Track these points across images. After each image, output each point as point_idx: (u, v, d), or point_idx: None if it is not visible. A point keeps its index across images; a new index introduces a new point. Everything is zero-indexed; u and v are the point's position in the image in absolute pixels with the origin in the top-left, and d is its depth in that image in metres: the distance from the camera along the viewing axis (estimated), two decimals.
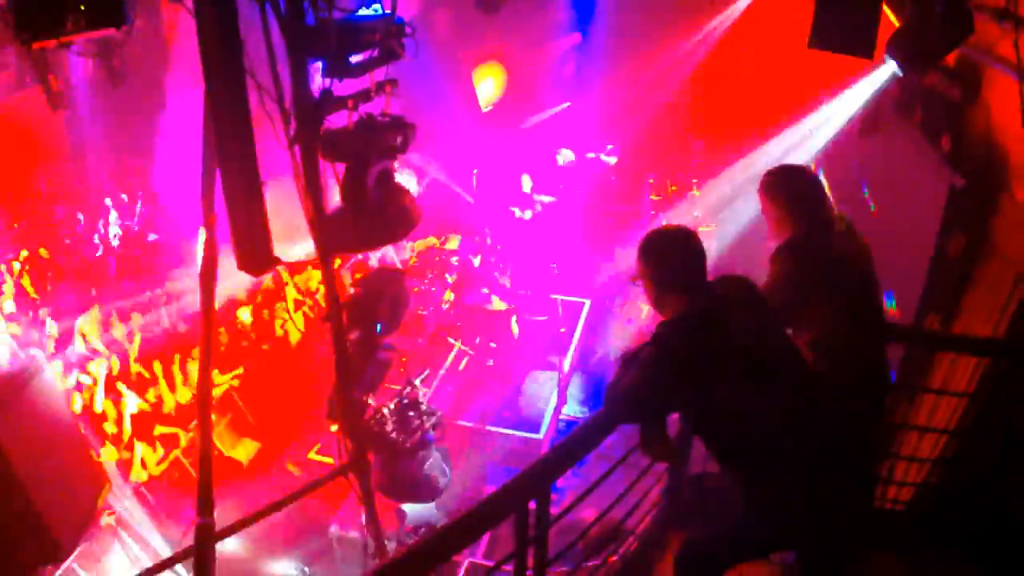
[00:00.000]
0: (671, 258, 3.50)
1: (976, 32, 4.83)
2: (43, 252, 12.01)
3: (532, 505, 3.54)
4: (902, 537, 4.81)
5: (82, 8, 3.65)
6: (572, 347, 11.72)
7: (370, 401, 5.63)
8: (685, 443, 4.78)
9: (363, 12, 4.49)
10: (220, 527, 4.60)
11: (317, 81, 4.19)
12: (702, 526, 4.11)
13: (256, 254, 3.86)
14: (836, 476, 3.39)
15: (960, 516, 4.85)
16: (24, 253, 11.78)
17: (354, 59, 4.24)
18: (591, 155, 15.20)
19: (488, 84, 14.92)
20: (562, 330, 11.86)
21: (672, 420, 3.86)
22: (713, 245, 11.89)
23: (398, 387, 6.44)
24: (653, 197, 14.16)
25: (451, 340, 11.48)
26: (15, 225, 12.56)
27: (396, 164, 4.57)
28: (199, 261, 4.37)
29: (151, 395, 10.13)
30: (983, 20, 4.81)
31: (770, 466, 3.42)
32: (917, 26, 5.04)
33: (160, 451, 9.92)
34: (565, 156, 14.93)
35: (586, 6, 15.41)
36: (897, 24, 5.31)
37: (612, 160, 15.10)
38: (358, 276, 6.27)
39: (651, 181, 14.58)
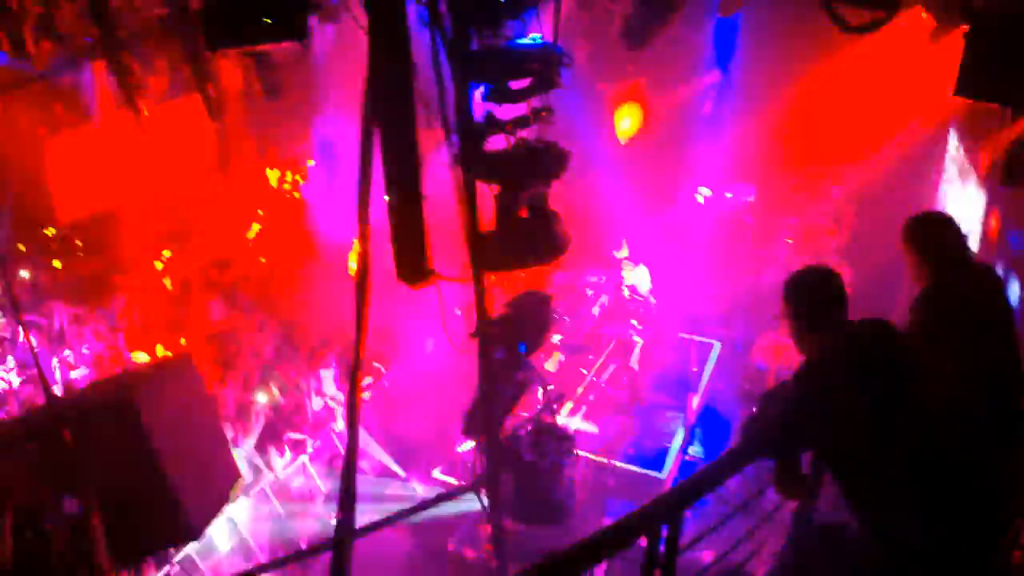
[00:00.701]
0: (813, 298, 3.55)
1: None
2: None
3: (663, 531, 3.58)
4: None
5: (268, 21, 3.95)
6: (701, 387, 11.60)
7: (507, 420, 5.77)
8: (816, 486, 4.72)
9: (523, 41, 4.67)
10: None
11: (477, 103, 4.40)
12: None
13: (415, 266, 4.06)
14: (967, 525, 3.33)
15: None
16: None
17: (514, 85, 4.44)
18: (729, 195, 15.06)
19: (626, 122, 15.05)
20: (694, 369, 11.75)
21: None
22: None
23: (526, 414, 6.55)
24: (788, 241, 13.91)
25: (583, 371, 11.53)
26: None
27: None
28: (353, 270, 4.60)
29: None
30: None
31: (901, 509, 3.39)
32: None
33: (288, 455, 10.32)
34: (704, 194, 14.87)
35: (727, 44, 15.34)
36: None
37: (749, 199, 14.93)
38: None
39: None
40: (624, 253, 12.89)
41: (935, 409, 3.53)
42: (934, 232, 4.34)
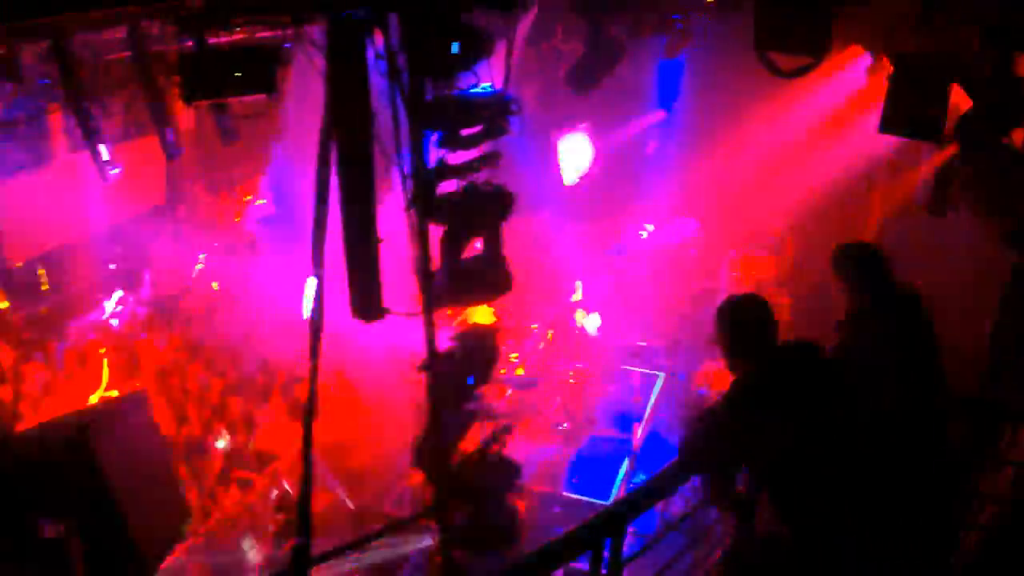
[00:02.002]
0: (743, 324, 3.87)
1: None
2: None
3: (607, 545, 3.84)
4: None
5: (237, 75, 4.21)
6: (645, 416, 11.91)
7: (456, 451, 5.97)
8: (752, 500, 5.01)
9: (475, 90, 4.97)
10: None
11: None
12: None
13: (370, 304, 4.31)
14: (894, 539, 3.63)
15: None
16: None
17: (465, 133, 4.74)
18: (671, 228, 15.51)
19: (572, 157, 15.50)
20: (638, 399, 12.07)
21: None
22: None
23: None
24: (735, 273, 14.34)
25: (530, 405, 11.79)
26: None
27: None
28: (306, 309, 4.82)
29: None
30: None
31: (830, 523, 3.66)
32: (982, 110, 5.33)
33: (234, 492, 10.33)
34: (647, 230, 15.29)
35: (672, 83, 15.84)
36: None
37: (692, 234, 15.38)
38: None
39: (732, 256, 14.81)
40: (578, 297, 13.26)
41: (858, 427, 3.86)
42: (857, 260, 4.70)
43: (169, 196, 14.16)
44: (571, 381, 12.27)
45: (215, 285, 13.76)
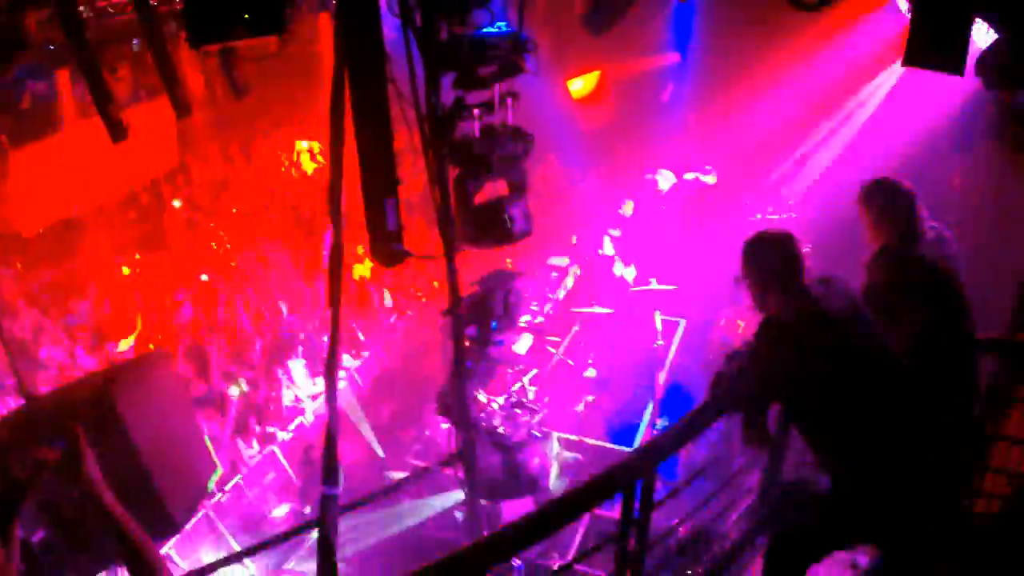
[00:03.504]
0: (772, 259, 3.78)
1: None
2: None
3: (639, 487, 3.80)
4: (986, 549, 4.86)
5: (246, 16, 4.10)
6: (668, 363, 11.86)
7: (480, 396, 5.97)
8: (781, 441, 4.97)
9: (490, 29, 4.85)
10: None
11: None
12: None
13: (390, 248, 4.24)
14: (924, 472, 3.58)
15: None
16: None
17: (481, 72, 4.62)
18: (689, 176, 15.32)
19: (579, 82, 15.35)
20: (659, 343, 12.01)
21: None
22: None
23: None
24: (758, 217, 14.20)
25: (551, 350, 11.75)
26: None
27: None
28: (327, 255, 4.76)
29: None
30: None
31: (861, 456, 3.62)
32: (1004, 45, 5.19)
33: (256, 447, 10.44)
34: (665, 177, 15.11)
35: (685, 27, 15.60)
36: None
37: (711, 180, 15.19)
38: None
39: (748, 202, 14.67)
40: (609, 251, 13.17)
41: (891, 362, 3.79)
42: (887, 194, 4.60)
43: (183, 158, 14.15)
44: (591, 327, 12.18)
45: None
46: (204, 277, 12.55)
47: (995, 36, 5.67)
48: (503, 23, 4.91)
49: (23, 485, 2.56)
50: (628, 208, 13.82)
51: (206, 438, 7.87)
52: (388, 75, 4.06)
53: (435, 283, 12.95)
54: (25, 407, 5.33)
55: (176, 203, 13.81)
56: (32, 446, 2.65)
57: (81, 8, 6.61)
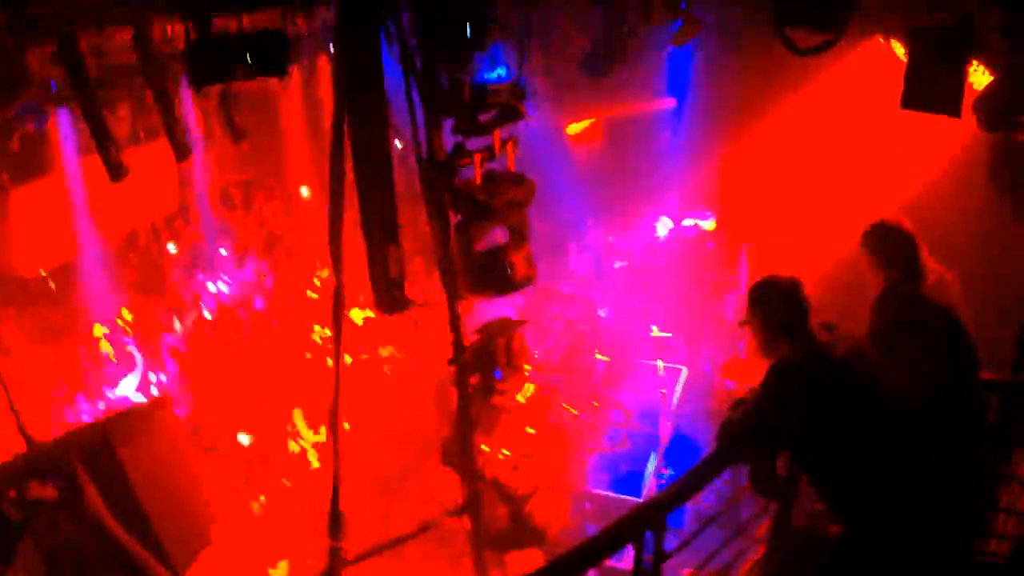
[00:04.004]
0: (780, 305, 3.74)
1: None
2: None
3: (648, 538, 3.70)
4: None
5: (248, 58, 4.08)
6: (672, 410, 11.74)
7: (484, 447, 5.86)
8: (791, 487, 4.86)
9: (489, 75, 4.85)
10: None
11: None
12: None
13: (393, 297, 4.17)
14: (935, 516, 3.51)
15: None
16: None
17: (481, 118, 4.60)
18: (688, 222, 15.33)
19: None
20: (663, 392, 11.90)
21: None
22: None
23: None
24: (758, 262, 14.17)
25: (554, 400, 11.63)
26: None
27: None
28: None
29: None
30: None
31: (871, 501, 3.56)
32: (1000, 86, 5.22)
33: (262, 497, 10.26)
34: (664, 224, 15.14)
35: (682, 73, 15.72)
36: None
37: (710, 226, 15.20)
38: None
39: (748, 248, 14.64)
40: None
41: (899, 406, 3.72)
42: (889, 237, 4.57)
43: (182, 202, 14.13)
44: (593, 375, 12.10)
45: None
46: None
47: (991, 78, 5.72)
48: (502, 69, 4.90)
49: (19, 526, 2.47)
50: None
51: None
52: (389, 119, 4.03)
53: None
54: (24, 453, 5.24)
55: (171, 247, 13.77)
56: (26, 485, 2.57)
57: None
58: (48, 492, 2.46)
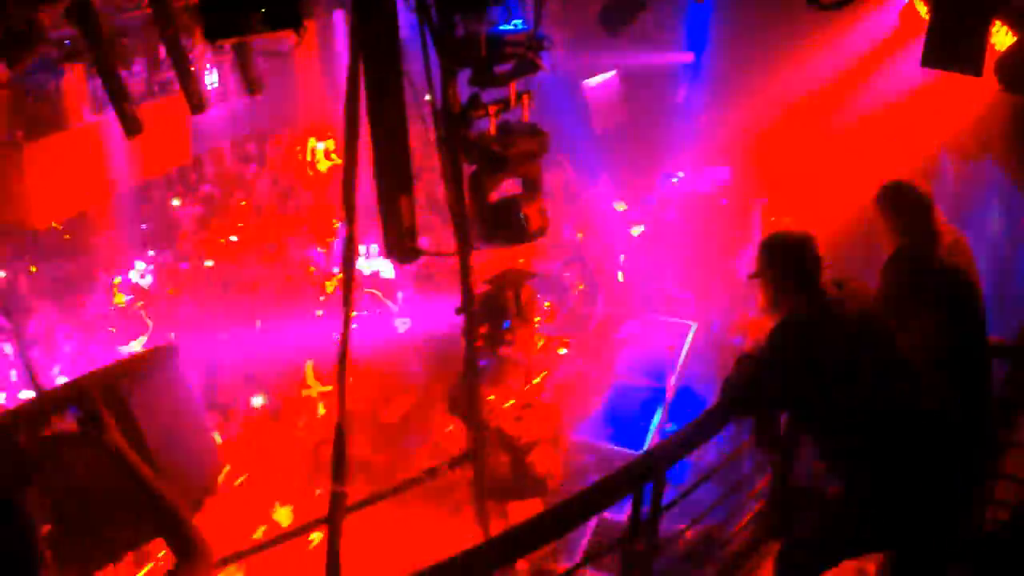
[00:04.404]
0: (791, 259, 3.73)
1: None
2: None
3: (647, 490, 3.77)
4: (996, 558, 4.81)
5: (263, 11, 4.08)
6: (678, 366, 11.80)
7: (490, 397, 5.92)
8: (792, 444, 4.92)
9: (506, 26, 4.83)
10: None
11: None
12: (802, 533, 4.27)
13: (404, 246, 4.22)
14: (936, 478, 3.53)
15: None
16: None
17: (497, 69, 4.60)
18: (703, 178, 15.27)
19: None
20: (670, 347, 11.95)
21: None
22: None
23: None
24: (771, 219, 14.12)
25: (562, 352, 11.71)
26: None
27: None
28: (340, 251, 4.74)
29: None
30: None
31: (872, 463, 3.58)
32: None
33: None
34: (679, 179, 15.08)
35: (700, 28, 15.54)
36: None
37: (725, 181, 15.12)
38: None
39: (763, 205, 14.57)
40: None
41: (905, 367, 3.74)
42: (904, 197, 4.55)
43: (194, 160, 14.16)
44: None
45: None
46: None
47: (1014, 38, 5.66)
48: (519, 20, 4.88)
49: (34, 459, 2.52)
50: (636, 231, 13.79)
51: (215, 435, 7.91)
52: (403, 70, 4.04)
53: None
54: (36, 398, 5.35)
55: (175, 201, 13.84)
56: (43, 422, 2.61)
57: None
58: (69, 425, 2.49)
